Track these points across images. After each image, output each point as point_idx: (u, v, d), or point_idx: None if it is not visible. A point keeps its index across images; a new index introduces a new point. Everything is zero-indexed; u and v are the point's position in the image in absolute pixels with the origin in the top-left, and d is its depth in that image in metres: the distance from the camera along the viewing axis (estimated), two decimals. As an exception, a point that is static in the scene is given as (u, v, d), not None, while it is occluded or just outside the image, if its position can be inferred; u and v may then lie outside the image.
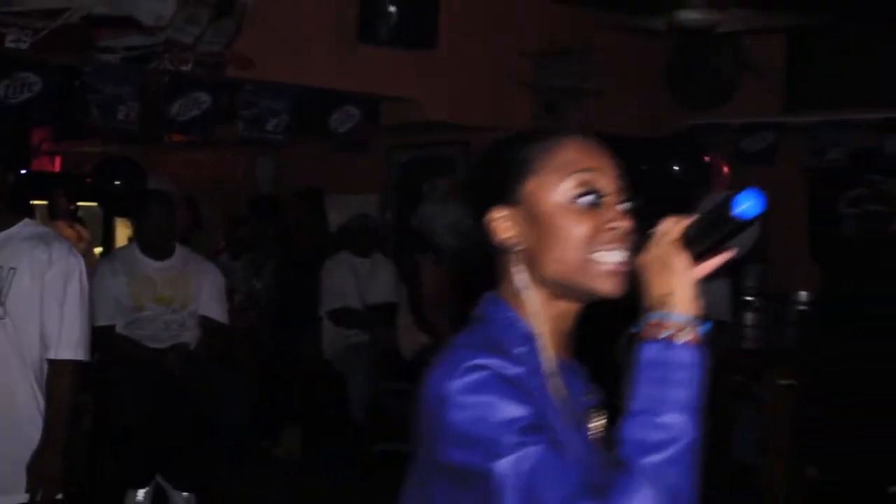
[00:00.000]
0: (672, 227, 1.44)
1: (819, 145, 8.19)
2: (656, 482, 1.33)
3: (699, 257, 1.43)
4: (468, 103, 7.38)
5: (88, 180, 8.62)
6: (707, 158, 7.59)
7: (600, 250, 1.50)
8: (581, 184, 1.51)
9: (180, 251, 5.60)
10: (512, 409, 1.38)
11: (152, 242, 5.51)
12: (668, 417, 1.36)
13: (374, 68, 6.86)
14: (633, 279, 1.49)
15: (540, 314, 1.54)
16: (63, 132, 9.21)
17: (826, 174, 8.34)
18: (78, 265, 3.42)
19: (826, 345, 5.99)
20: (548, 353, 1.53)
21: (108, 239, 9.41)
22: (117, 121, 6.44)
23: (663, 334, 1.40)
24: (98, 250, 7.64)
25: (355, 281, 7.14)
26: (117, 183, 7.99)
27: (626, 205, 1.54)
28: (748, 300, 6.36)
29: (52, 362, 3.35)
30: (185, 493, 5.42)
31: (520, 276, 1.55)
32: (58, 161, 11.28)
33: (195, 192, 8.81)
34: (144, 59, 6.06)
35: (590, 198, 1.51)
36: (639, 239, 1.49)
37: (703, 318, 1.42)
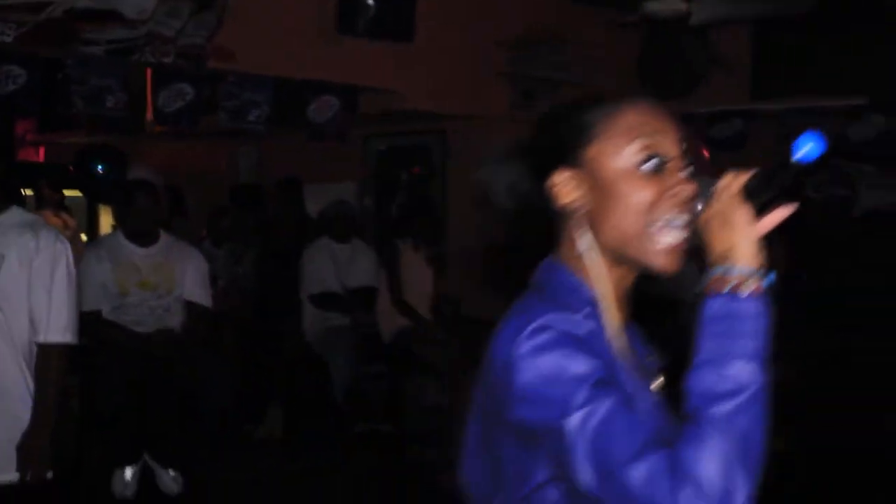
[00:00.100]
0: (732, 181, 1.42)
1: (787, 131, 8.27)
2: (725, 431, 1.29)
3: (761, 211, 1.40)
4: (446, 93, 7.41)
5: (71, 169, 8.62)
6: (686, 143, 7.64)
7: (662, 219, 1.47)
8: (645, 148, 1.48)
9: (164, 238, 5.64)
10: (581, 366, 1.37)
11: (137, 230, 5.54)
12: (735, 368, 1.32)
13: (354, 59, 6.88)
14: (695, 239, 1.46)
15: (603, 277, 1.51)
16: (47, 123, 9.20)
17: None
18: (65, 252, 3.45)
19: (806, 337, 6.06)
20: (611, 316, 1.50)
21: (92, 227, 9.41)
22: (106, 108, 6.46)
23: (727, 287, 1.37)
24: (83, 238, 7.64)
25: (334, 266, 7.17)
26: (99, 170, 7.99)
27: (689, 170, 1.51)
28: None
29: (41, 346, 3.39)
30: (171, 472, 5.48)
31: (584, 240, 1.52)
32: (42, 151, 11.26)
33: (178, 182, 8.81)
34: (127, 51, 6.07)
35: (653, 163, 1.48)
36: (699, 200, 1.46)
37: (767, 270, 1.39)
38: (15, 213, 3.46)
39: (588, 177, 1.51)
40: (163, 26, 5.91)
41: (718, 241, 1.41)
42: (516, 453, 1.43)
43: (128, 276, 5.47)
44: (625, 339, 1.51)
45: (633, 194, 1.48)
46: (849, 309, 6.71)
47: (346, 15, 6.65)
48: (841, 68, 7.70)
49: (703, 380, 1.33)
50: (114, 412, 5.29)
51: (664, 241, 1.48)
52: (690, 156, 1.52)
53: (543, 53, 7.69)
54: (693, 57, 7.92)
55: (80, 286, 3.72)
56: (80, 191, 8.75)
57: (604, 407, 1.33)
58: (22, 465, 3.32)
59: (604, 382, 1.36)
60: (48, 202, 6.77)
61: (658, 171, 1.48)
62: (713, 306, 1.37)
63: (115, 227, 6.24)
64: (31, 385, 3.37)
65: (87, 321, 4.69)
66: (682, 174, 1.49)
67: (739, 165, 1.49)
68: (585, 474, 1.33)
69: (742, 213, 1.39)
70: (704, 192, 1.45)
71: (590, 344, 1.41)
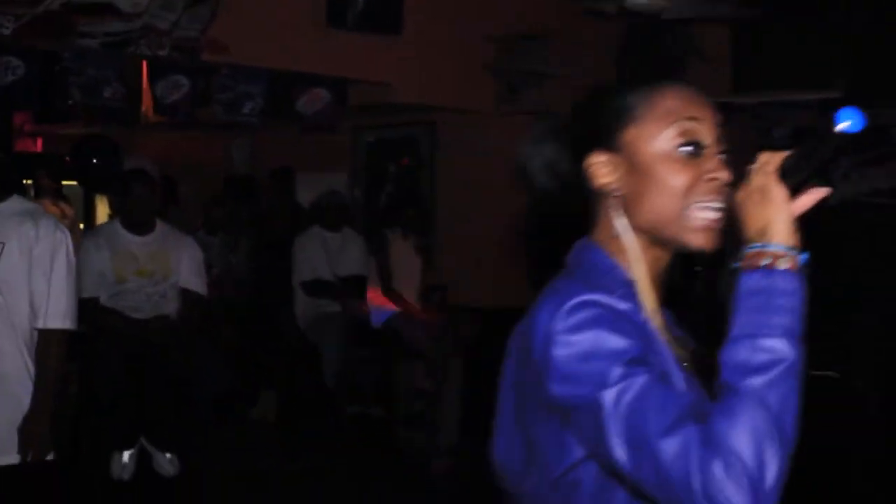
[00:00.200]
0: (770, 160, 1.40)
1: (764, 124, 8.31)
2: (759, 403, 1.26)
3: (796, 191, 1.38)
4: (434, 86, 7.40)
5: (67, 159, 8.58)
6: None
7: (698, 202, 1.46)
8: (683, 133, 1.47)
9: (161, 227, 5.64)
10: (618, 343, 1.35)
11: (135, 219, 5.54)
12: (769, 341, 1.29)
13: (344, 52, 6.88)
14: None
15: (639, 259, 1.50)
16: (45, 115, 9.17)
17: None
18: (64, 240, 3.45)
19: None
20: (647, 297, 1.48)
21: (88, 216, 9.39)
22: (104, 99, 6.45)
23: (763, 262, 1.35)
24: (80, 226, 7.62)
25: (326, 254, 7.18)
26: (95, 161, 7.96)
27: (725, 155, 1.49)
28: (697, 270, 6.41)
29: (41, 331, 3.39)
30: (168, 455, 5.49)
31: (620, 221, 1.50)
32: (39, 142, 11.22)
33: (173, 172, 8.79)
34: (122, 44, 6.06)
35: (691, 147, 1.47)
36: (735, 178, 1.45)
37: (801, 249, 1.37)
38: (15, 202, 3.46)
39: (625, 159, 1.50)
40: (158, 19, 5.91)
41: (755, 219, 1.38)
42: (552, 431, 1.42)
43: (125, 264, 5.47)
44: (660, 320, 1.49)
45: (669, 178, 1.47)
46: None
47: (336, 8, 6.64)
48: (819, 62, 7.73)
49: (737, 353, 1.31)
50: (112, 397, 5.29)
51: (701, 219, 1.47)
52: (726, 142, 1.50)
53: (528, 47, 7.68)
54: (673, 51, 7.93)
55: (78, 274, 3.72)
56: (77, 181, 8.72)
57: (638, 383, 1.32)
58: (23, 448, 3.32)
59: (639, 360, 1.35)
60: (46, 192, 6.75)
61: (695, 155, 1.47)
62: (749, 281, 1.35)
63: (111, 217, 6.24)
64: (32, 370, 3.37)
65: (86, 308, 4.70)
66: (718, 159, 1.49)
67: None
68: (619, 450, 1.31)
69: (779, 191, 1.37)
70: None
71: (627, 322, 1.39)
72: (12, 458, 3.32)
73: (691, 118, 1.48)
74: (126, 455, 5.40)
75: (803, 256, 1.36)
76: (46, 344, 3.39)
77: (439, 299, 7.60)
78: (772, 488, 1.24)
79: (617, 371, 1.33)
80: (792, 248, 1.35)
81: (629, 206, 1.50)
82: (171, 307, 5.54)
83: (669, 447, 1.26)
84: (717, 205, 1.47)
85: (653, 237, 1.50)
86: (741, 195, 1.41)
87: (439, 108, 7.83)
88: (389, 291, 6.82)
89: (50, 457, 3.40)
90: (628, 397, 1.31)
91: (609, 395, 1.32)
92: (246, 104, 7.00)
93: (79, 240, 5.11)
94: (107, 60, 6.37)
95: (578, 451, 1.40)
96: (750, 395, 1.27)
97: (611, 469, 1.36)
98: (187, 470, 5.52)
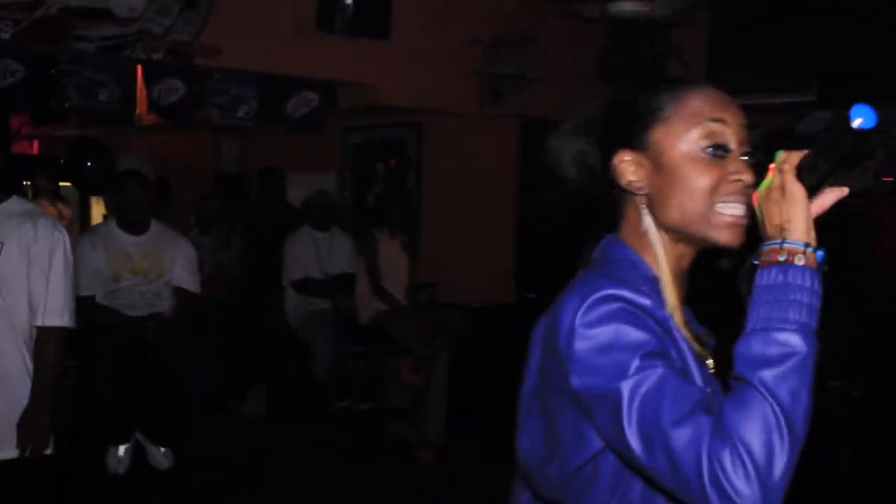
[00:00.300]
0: (789, 158, 1.39)
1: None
2: (772, 395, 1.25)
3: (814, 189, 1.38)
4: (420, 88, 7.40)
5: (62, 161, 8.54)
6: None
7: (722, 202, 1.46)
8: (709, 135, 1.47)
9: (155, 226, 5.62)
10: (638, 336, 1.35)
11: (129, 219, 5.53)
12: (783, 335, 1.29)
13: (332, 56, 6.86)
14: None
15: (664, 256, 1.50)
16: (42, 117, 9.13)
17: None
18: (62, 239, 3.43)
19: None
20: (670, 293, 1.48)
21: (84, 217, 9.34)
22: (99, 102, 6.42)
23: (780, 258, 1.34)
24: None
25: (315, 253, 7.17)
26: (89, 164, 7.93)
27: (749, 157, 1.48)
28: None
29: (39, 329, 3.37)
30: (162, 448, 5.48)
31: (646, 219, 1.51)
32: (36, 144, 11.17)
33: (165, 172, 8.76)
34: (118, 48, 6.03)
35: (716, 150, 1.47)
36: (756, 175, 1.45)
37: (818, 247, 1.36)
38: (15, 203, 3.44)
39: (652, 159, 1.50)
40: (152, 24, 5.89)
41: (775, 215, 1.38)
42: (573, 422, 1.41)
43: (121, 263, 5.46)
44: (682, 316, 1.49)
45: (694, 178, 1.47)
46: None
47: (326, 13, 6.62)
48: (793, 65, 7.76)
49: (751, 346, 1.30)
50: (108, 393, 5.27)
51: (727, 216, 1.46)
52: (750, 145, 1.50)
53: (512, 52, 7.68)
54: (652, 54, 7.95)
55: (75, 272, 3.69)
56: (72, 182, 8.67)
57: (655, 375, 1.31)
58: (21, 443, 3.30)
59: (657, 353, 1.34)
60: (44, 192, 6.72)
61: (720, 157, 1.47)
62: (767, 276, 1.35)
63: (107, 217, 6.21)
64: (31, 366, 3.35)
65: (83, 305, 4.67)
66: (742, 161, 1.48)
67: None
68: (634, 440, 1.30)
69: (797, 189, 1.37)
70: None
71: (649, 317, 1.39)
72: (11, 453, 3.30)
73: (717, 120, 1.48)
74: (122, 449, 5.40)
75: (820, 253, 1.36)
76: (45, 341, 3.37)
77: (427, 296, 7.60)
78: (779, 480, 1.23)
79: (635, 363, 1.32)
80: (809, 245, 1.35)
81: (655, 205, 1.50)
82: (164, 305, 5.53)
83: (682, 436, 1.26)
84: (741, 204, 1.47)
85: (678, 235, 1.51)
86: (760, 192, 1.42)
87: (426, 111, 7.83)
88: (378, 289, 6.81)
89: (48, 451, 3.38)
90: (644, 388, 1.30)
91: (626, 386, 1.31)
92: (240, 108, 6.98)
93: (76, 239, 5.08)
94: (103, 64, 6.34)
95: (597, 443, 1.40)
96: (762, 388, 1.26)
97: (628, 460, 1.36)
98: (181, 463, 5.51)
